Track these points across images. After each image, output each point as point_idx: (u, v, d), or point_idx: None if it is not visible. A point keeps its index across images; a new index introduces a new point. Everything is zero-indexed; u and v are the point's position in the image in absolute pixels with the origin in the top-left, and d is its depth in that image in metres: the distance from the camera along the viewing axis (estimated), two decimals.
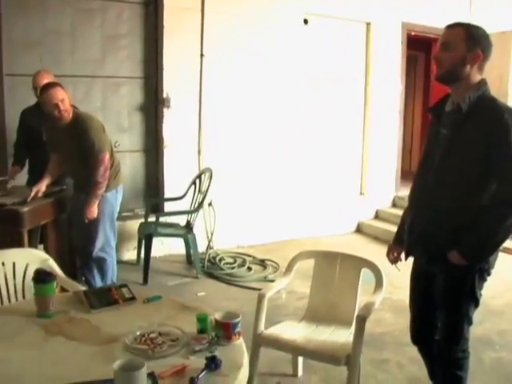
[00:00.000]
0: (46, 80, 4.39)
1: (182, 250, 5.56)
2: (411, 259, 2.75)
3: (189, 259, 5.53)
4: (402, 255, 2.78)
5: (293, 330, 3.11)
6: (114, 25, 5.52)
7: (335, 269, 3.32)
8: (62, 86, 4.06)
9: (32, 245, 4.16)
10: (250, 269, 5.48)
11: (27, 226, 3.94)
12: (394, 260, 2.85)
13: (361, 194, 7.28)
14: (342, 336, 3.03)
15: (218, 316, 2.12)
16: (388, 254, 2.88)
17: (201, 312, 2.23)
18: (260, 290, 4.72)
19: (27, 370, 1.93)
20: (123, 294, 2.48)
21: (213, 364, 1.87)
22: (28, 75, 5.04)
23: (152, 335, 2.10)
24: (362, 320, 2.80)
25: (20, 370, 1.93)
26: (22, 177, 4.70)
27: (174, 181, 5.66)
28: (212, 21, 5.68)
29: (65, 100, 3.97)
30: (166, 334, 2.12)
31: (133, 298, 2.46)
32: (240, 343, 2.11)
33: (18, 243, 3.92)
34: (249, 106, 6.03)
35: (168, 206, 5.60)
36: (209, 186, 5.12)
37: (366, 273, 3.20)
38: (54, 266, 3.08)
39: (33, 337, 2.15)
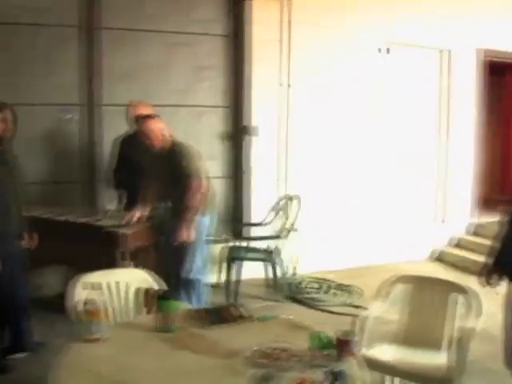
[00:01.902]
0: (143, 110, 4.65)
1: (262, 274, 5.66)
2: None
3: (270, 283, 5.61)
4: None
5: (387, 352, 3.16)
6: (201, 57, 5.78)
7: (428, 294, 3.36)
8: (159, 116, 4.28)
9: (135, 267, 4.36)
10: (333, 294, 5.52)
11: (126, 248, 4.15)
12: (494, 284, 2.87)
13: (436, 220, 7.23)
14: (435, 359, 3.07)
15: (336, 334, 2.21)
16: (486, 277, 2.90)
17: (313, 331, 2.33)
18: (347, 315, 4.87)
19: (160, 381, 2.07)
20: (239, 312, 2.61)
21: (337, 380, 1.96)
22: (121, 105, 5.37)
23: (270, 351, 2.21)
24: (465, 344, 2.83)
25: (154, 380, 2.07)
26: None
27: (257, 207, 5.80)
28: (297, 50, 5.85)
29: (162, 129, 4.20)
30: (283, 349, 2.22)
31: (248, 317, 2.58)
32: (357, 361, 2.19)
33: (113, 265, 4.14)
34: (331, 133, 6.15)
35: (252, 232, 5.74)
36: (297, 212, 5.23)
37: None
38: (155, 285, 3.25)
39: (160, 349, 2.30)
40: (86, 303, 2.34)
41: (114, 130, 5.35)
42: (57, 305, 4.93)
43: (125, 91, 5.46)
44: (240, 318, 2.58)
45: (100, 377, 2.09)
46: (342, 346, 2.17)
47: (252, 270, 5.62)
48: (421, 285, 3.39)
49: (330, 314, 4.96)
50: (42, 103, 5.26)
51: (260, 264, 5.48)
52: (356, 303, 5.25)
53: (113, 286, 3.09)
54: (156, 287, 3.19)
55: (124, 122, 5.24)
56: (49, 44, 5.29)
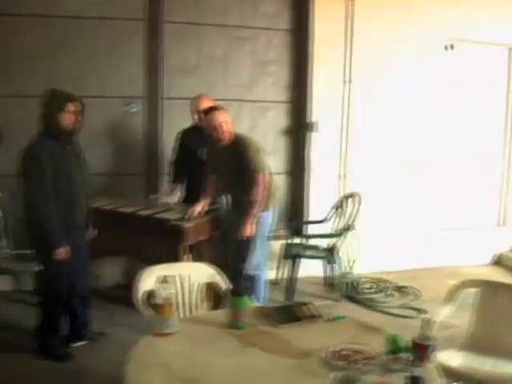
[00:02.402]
0: (206, 103, 4.63)
1: (319, 272, 5.60)
2: None
3: (328, 282, 5.55)
4: None
5: (454, 359, 3.06)
6: (264, 51, 5.75)
7: (500, 299, 3.24)
8: (224, 109, 4.25)
9: (193, 260, 4.36)
10: (391, 295, 5.42)
11: (188, 241, 4.16)
12: None
13: (498, 223, 7.01)
14: (508, 367, 2.95)
15: (415, 337, 2.13)
16: None
17: (389, 333, 2.25)
18: (407, 317, 4.77)
19: (232, 378, 2.04)
20: (309, 311, 2.56)
21: None
22: (183, 98, 5.39)
23: (346, 352, 2.15)
24: None
25: (226, 377, 2.04)
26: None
27: (317, 204, 5.73)
28: (360, 46, 5.74)
29: (226, 122, 4.17)
30: (359, 351, 2.16)
31: (317, 316, 2.52)
32: (436, 365, 2.11)
33: (175, 258, 4.15)
34: (393, 131, 6.01)
35: (310, 229, 5.68)
36: (357, 210, 5.14)
37: None
38: (220, 280, 3.23)
39: (230, 346, 2.27)
40: (156, 296, 2.32)
41: (175, 123, 5.37)
42: (115, 295, 5.06)
43: (187, 85, 5.48)
44: (310, 317, 2.53)
45: (170, 372, 2.08)
46: (421, 350, 2.09)
47: (310, 268, 5.57)
48: (491, 290, 3.26)
49: (390, 316, 4.86)
50: (107, 96, 5.31)
51: (316, 262, 5.43)
52: (415, 305, 5.13)
53: (179, 279, 3.09)
54: (222, 282, 3.19)
55: (186, 115, 5.24)
56: (114, 37, 5.33)
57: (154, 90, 5.43)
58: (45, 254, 3.63)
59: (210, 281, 3.18)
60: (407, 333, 2.22)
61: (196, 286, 3.14)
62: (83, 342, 4.06)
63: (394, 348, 2.15)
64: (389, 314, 4.93)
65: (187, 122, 5.09)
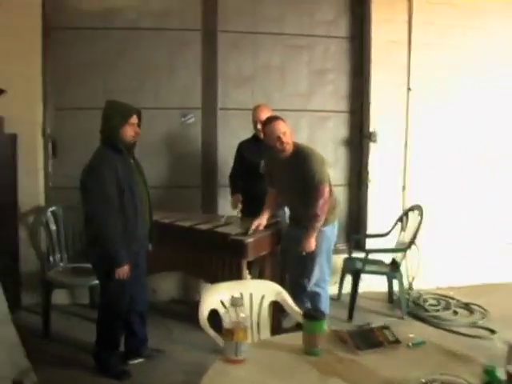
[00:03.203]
0: (265, 114, 4.49)
1: (381, 288, 5.39)
2: None
3: (390, 298, 5.34)
4: None
5: None
6: (321, 60, 5.58)
7: None
8: (284, 119, 4.10)
9: (253, 276, 4.22)
10: (455, 313, 5.16)
11: (250, 257, 4.01)
12: None
13: None
14: None
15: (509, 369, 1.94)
16: None
17: (487, 364, 2.06)
18: (475, 336, 4.51)
19: None
20: (387, 336, 2.37)
21: None
22: (239, 109, 5.29)
23: None
24: None
25: None
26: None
27: (377, 217, 5.54)
28: (419, 53, 5.53)
29: (287, 133, 4.01)
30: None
31: (397, 341, 2.34)
32: None
33: (236, 274, 4.01)
34: (456, 141, 5.76)
35: (369, 243, 5.47)
36: (420, 224, 4.91)
37: None
38: (287, 299, 3.07)
39: (308, 375, 2.10)
40: (226, 320, 2.17)
41: (232, 134, 5.28)
42: (172, 310, 4.97)
43: (243, 95, 5.40)
44: (389, 342, 2.34)
45: None
46: None
47: (372, 283, 5.38)
48: None
49: (460, 336, 4.59)
50: (163, 107, 5.25)
51: (377, 277, 5.22)
52: (484, 324, 4.86)
53: (246, 298, 2.96)
54: (290, 301, 3.04)
55: (242, 126, 5.16)
56: (171, 48, 5.27)
57: (210, 100, 5.33)
58: (106, 270, 3.54)
59: (277, 299, 3.04)
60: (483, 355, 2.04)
61: (264, 305, 3.00)
62: (140, 360, 3.96)
63: (491, 381, 1.96)
64: (458, 333, 4.67)
65: (243, 133, 4.98)
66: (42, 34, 4.98)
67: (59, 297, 4.89)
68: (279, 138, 3.98)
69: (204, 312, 2.82)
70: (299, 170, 4.00)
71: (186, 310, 5.04)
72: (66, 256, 4.82)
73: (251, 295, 3.01)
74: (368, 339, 2.34)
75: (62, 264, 4.76)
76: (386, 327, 2.45)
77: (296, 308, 3.08)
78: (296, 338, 2.34)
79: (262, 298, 3.03)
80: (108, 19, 5.15)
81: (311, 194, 4.00)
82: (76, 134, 5.17)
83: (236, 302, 2.15)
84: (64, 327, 4.59)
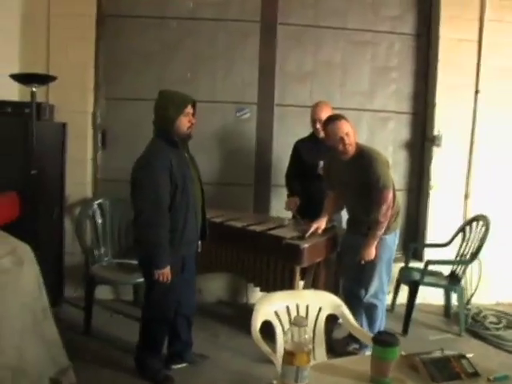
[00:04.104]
0: (326, 112, 4.25)
1: (437, 301, 5.12)
2: None
3: (447, 312, 5.04)
4: None
5: None
6: (384, 57, 5.29)
7: None
8: (347, 118, 3.84)
9: (306, 284, 4.00)
10: None
11: (305, 263, 3.79)
12: None
13: None
14: None
15: None
16: None
17: None
18: None
19: None
20: (464, 367, 2.10)
21: None
22: (296, 106, 5.10)
23: None
24: None
25: None
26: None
27: (437, 225, 5.22)
28: (490, 53, 5.17)
29: (350, 133, 3.76)
30: None
31: (476, 374, 2.07)
32: None
33: (289, 281, 3.80)
34: None
35: (428, 252, 5.16)
36: (485, 235, 4.58)
37: None
38: (346, 313, 2.84)
39: None
40: (287, 341, 1.93)
41: (288, 131, 5.06)
42: (217, 313, 4.78)
43: (302, 91, 5.17)
44: (467, 375, 2.07)
45: None
46: None
47: (428, 295, 5.09)
48: None
49: None
50: (219, 100, 5.08)
51: (435, 289, 4.92)
52: None
53: (302, 311, 2.73)
54: (350, 317, 2.80)
55: (299, 123, 4.94)
56: (229, 39, 5.09)
57: (267, 95, 5.10)
58: (149, 271, 3.35)
59: (335, 313, 2.81)
60: None
61: (320, 318, 2.77)
62: (184, 365, 3.78)
63: None
64: None
65: (300, 131, 4.75)
66: (96, 22, 4.85)
67: (103, 292, 4.76)
68: (342, 139, 3.73)
69: (257, 324, 2.60)
70: (363, 174, 3.73)
71: (233, 312, 4.87)
72: (111, 251, 4.68)
73: (307, 307, 2.79)
74: (443, 370, 2.08)
75: (106, 259, 4.62)
76: (462, 356, 2.18)
77: (358, 326, 2.84)
78: (360, 362, 2.12)
79: (319, 310, 2.80)
80: (164, 8, 5.00)
81: (374, 199, 3.73)
82: (127, 126, 5.03)
83: (299, 322, 1.91)
84: (105, 324, 4.45)
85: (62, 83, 4.24)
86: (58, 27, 4.69)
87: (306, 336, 1.91)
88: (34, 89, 3.92)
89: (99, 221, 4.65)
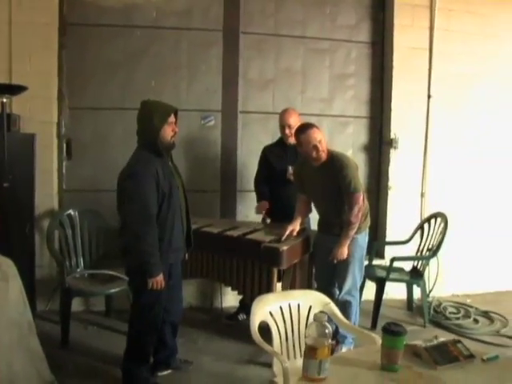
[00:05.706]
0: (294, 118, 4.40)
1: (399, 295, 5.35)
2: None
3: (410, 306, 5.29)
4: None
5: None
6: (342, 64, 5.51)
7: None
8: (317, 126, 3.99)
9: (285, 285, 4.11)
10: (476, 321, 5.10)
11: (284, 265, 3.90)
12: None
13: None
14: None
15: None
16: None
17: None
18: (500, 345, 4.44)
19: None
20: (461, 350, 2.28)
21: None
22: (260, 112, 5.23)
23: None
24: None
25: None
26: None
27: (396, 224, 5.47)
28: (440, 60, 5.47)
29: (322, 141, 3.90)
30: None
31: (472, 356, 2.25)
32: None
33: (267, 283, 3.90)
34: (476, 147, 5.70)
35: (389, 250, 5.40)
36: (444, 231, 4.85)
37: None
38: (335, 310, 2.99)
39: None
40: (309, 336, 2.04)
41: (252, 138, 5.20)
42: (191, 318, 4.83)
43: (265, 98, 5.31)
44: (464, 357, 2.25)
45: None
46: None
47: (389, 290, 5.28)
48: None
49: (484, 344, 4.52)
50: (184, 108, 5.06)
51: (397, 284, 5.14)
52: (505, 333, 4.82)
53: (294, 309, 2.87)
54: (338, 313, 2.95)
55: (263, 130, 5.08)
56: (192, 48, 5.16)
57: (231, 103, 5.21)
58: (141, 280, 3.34)
59: (324, 310, 2.94)
60: None
61: (311, 316, 2.90)
62: (169, 371, 3.80)
63: None
64: (481, 341, 4.60)
65: (264, 137, 4.94)
66: (59, 31, 4.80)
67: (74, 304, 4.69)
68: (315, 147, 3.86)
69: (255, 325, 2.72)
70: (334, 178, 3.89)
71: (206, 317, 4.92)
72: (83, 262, 4.65)
73: (298, 306, 2.92)
74: (444, 354, 2.25)
75: (78, 270, 4.59)
76: (457, 341, 2.36)
77: (345, 320, 2.99)
78: (370, 353, 2.25)
79: (310, 308, 2.94)
80: (128, 16, 5.01)
81: (346, 202, 3.91)
82: (92, 135, 5.02)
83: (320, 318, 2.04)
84: (81, 336, 4.40)
85: (27, 93, 4.19)
86: (20, 36, 4.61)
87: (326, 331, 2.03)
88: (4, 100, 3.89)
89: (69, 232, 4.62)
